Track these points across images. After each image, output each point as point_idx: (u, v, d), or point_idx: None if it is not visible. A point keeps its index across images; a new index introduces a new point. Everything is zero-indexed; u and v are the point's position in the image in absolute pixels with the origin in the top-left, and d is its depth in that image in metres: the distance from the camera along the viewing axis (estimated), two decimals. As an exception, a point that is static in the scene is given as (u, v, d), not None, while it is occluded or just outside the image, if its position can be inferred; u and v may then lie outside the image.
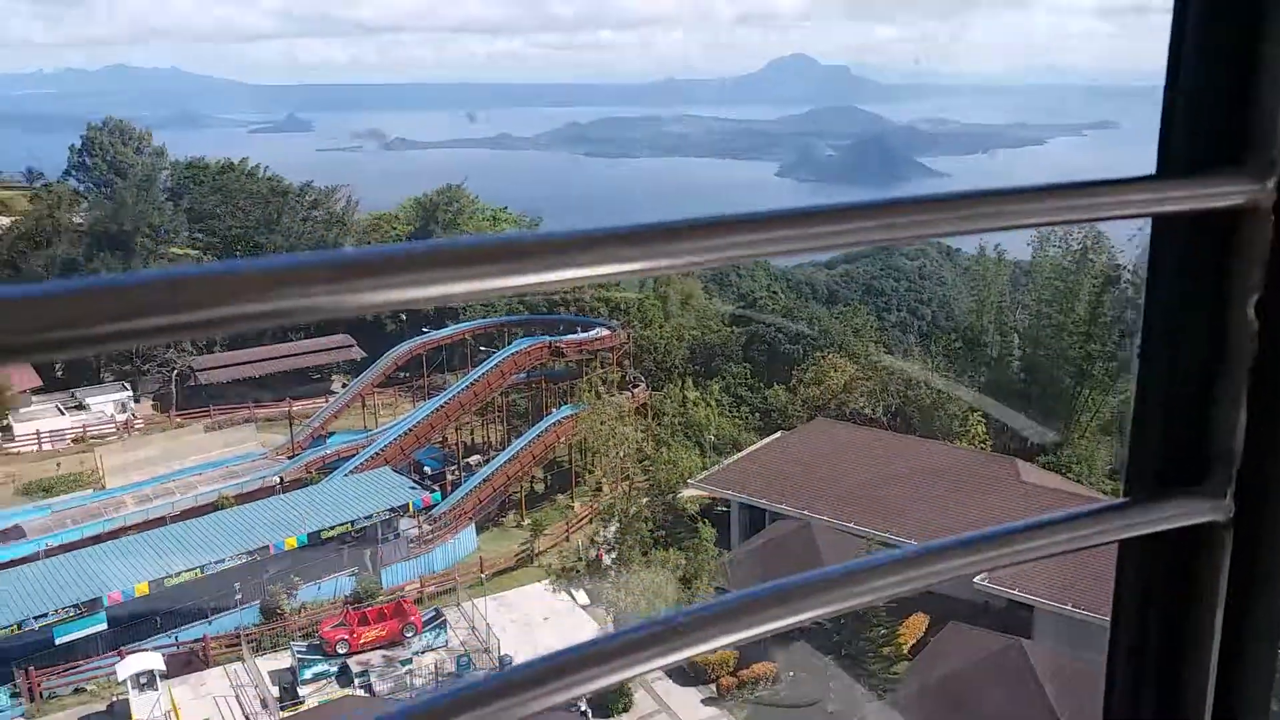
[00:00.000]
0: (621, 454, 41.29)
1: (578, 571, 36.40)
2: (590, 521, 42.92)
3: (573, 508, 46.10)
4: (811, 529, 36.79)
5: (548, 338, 53.08)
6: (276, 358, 63.07)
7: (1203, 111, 0.91)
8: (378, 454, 44.48)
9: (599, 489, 47.10)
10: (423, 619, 35.00)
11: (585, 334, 54.54)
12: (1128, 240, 53.43)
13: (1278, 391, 0.92)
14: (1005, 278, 53.60)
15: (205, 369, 61.04)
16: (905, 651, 31.38)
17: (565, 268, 0.70)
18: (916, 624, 33.08)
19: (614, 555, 31.92)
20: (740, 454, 44.86)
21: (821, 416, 47.49)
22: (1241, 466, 0.94)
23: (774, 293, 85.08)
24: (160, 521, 40.39)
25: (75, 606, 32.38)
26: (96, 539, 38.36)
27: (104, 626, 33.25)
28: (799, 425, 48.13)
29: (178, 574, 34.17)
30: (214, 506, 41.20)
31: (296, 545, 37.11)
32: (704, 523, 33.50)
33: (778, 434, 47.19)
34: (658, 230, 0.74)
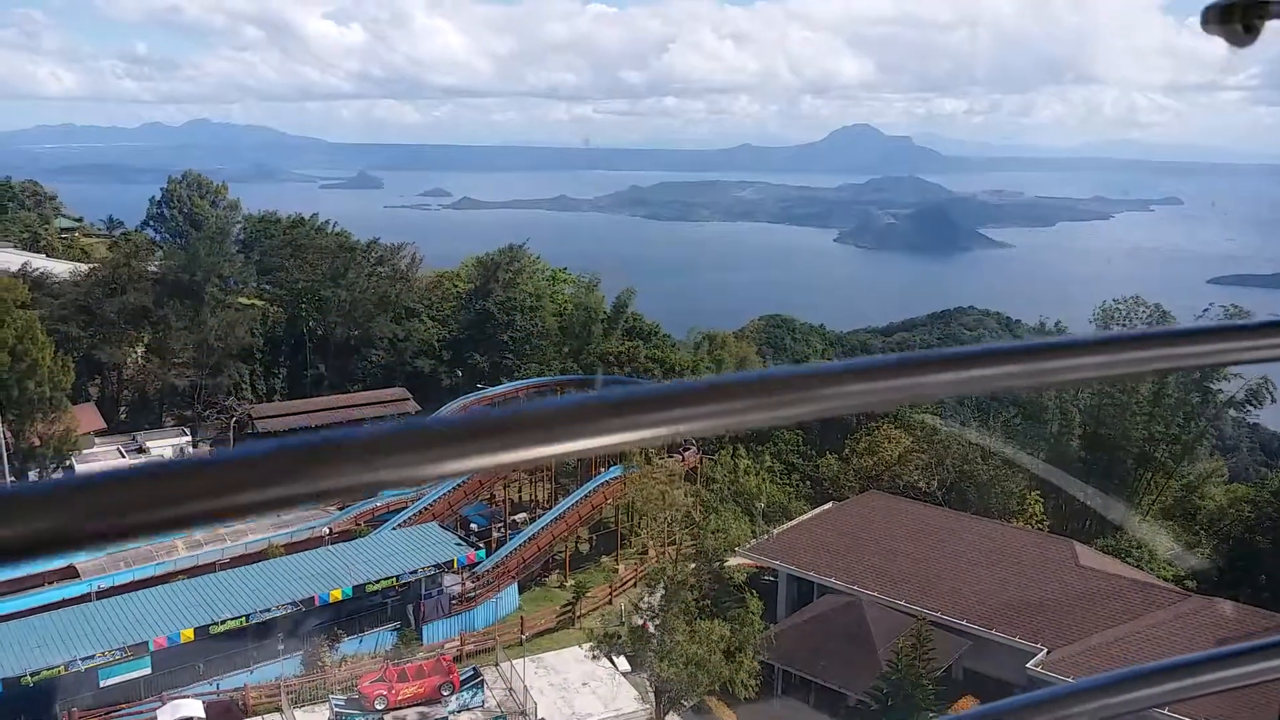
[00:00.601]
0: (669, 518, 40.85)
1: (619, 637, 35.88)
2: (635, 585, 42.48)
3: (617, 570, 45.70)
4: (861, 605, 36.00)
5: (599, 398, 53.09)
6: (333, 408, 63.94)
7: None
8: (426, 509, 44.68)
9: (645, 552, 46.68)
10: (461, 678, 34.75)
11: (637, 395, 54.42)
12: (1194, 318, 52.27)
13: None
14: None
15: (263, 417, 62.10)
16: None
17: (607, 434, 0.73)
18: (964, 706, 31.97)
19: (658, 623, 31.42)
20: (790, 523, 44.24)
21: (874, 489, 46.70)
22: None
23: (828, 359, 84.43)
24: (210, 567, 40.91)
25: (122, 649, 32.73)
26: (147, 582, 38.90)
27: (148, 670, 33.54)
28: (851, 496, 47.41)
29: (223, 621, 34.42)
30: (263, 555, 41.60)
31: (341, 597, 37.22)
32: (752, 594, 32.90)
33: (829, 504, 46.51)
34: (680, 392, 0.75)
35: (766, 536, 42.25)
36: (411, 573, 38.75)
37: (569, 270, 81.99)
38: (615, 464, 51.35)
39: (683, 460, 52.95)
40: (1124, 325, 50.14)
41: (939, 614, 34.67)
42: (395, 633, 38.69)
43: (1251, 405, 49.00)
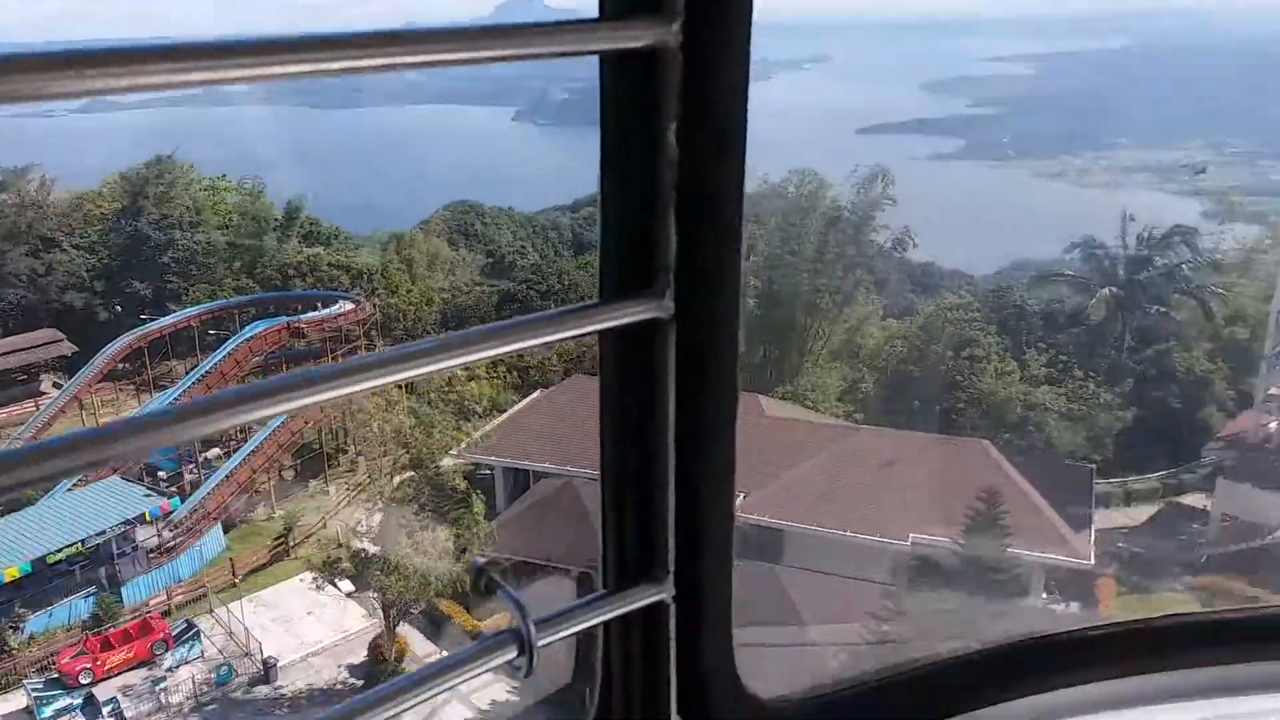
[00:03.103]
0: (376, 429, 40.02)
1: (340, 560, 35.28)
2: (348, 505, 41.60)
3: (328, 493, 44.43)
4: (573, 484, 37.42)
5: (286, 318, 50.34)
6: (-30, 362, 56.23)
7: None
8: (104, 461, 40.85)
9: (354, 468, 45.59)
10: (173, 633, 32.89)
11: (326, 310, 52.16)
12: (845, 179, 57.35)
13: (700, 206, 1.08)
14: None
15: (-119, 384, 53.60)
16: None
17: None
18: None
19: (378, 544, 31.17)
20: (501, 417, 44.75)
21: (579, 372, 48.09)
22: (677, 271, 1.11)
23: (522, 249, 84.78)
24: None
25: None
26: None
27: None
28: (556, 381, 48.55)
29: (-128, 627, 30.19)
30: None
31: (19, 574, 33.65)
32: (476, 494, 33.29)
33: (537, 392, 47.40)
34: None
35: (481, 435, 42.58)
36: (99, 534, 35.62)
37: (229, 177, 75.56)
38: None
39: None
40: (794, 191, 54.34)
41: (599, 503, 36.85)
42: (91, 599, 35.66)
43: (896, 252, 55.09)
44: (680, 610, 1.30)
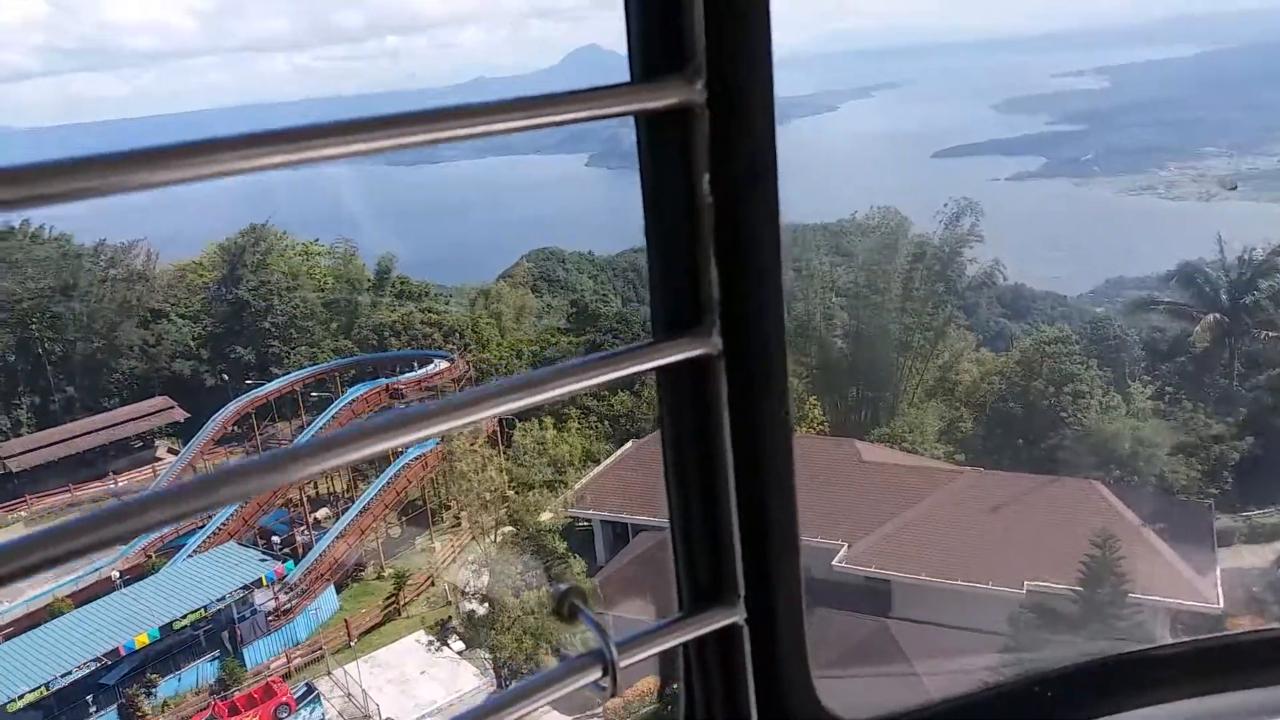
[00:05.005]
0: (479, 487, 40.78)
1: (450, 619, 36.02)
2: (454, 561, 42.37)
3: (434, 549, 45.34)
4: (675, 538, 37.56)
5: (385, 379, 51.89)
6: (92, 431, 59.09)
7: (653, 30, 1.15)
8: (220, 528, 42.45)
9: (458, 524, 46.45)
10: (295, 696, 33.81)
11: (423, 370, 53.62)
12: (925, 209, 56.91)
13: (738, 247, 1.18)
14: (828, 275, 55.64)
15: (14, 455, 56.56)
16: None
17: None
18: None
19: (486, 604, 31.72)
20: (596, 470, 45.21)
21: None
22: (722, 310, 1.20)
23: (604, 296, 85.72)
24: (-12, 639, 37.36)
25: (-95, 754, 29.68)
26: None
27: (-57, 772, 30.63)
28: (647, 428, 48.85)
29: (21, 696, 31.68)
30: (49, 613, 38.34)
31: (149, 640, 35.06)
32: (574, 556, 33.71)
33: (629, 443, 47.77)
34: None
35: (577, 485, 43.04)
36: (219, 600, 36.95)
37: (321, 241, 78.25)
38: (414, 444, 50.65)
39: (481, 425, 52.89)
40: (877, 231, 54.05)
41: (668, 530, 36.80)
42: (216, 663, 36.98)
43: (987, 286, 54.31)
44: (754, 632, 1.37)
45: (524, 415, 57.14)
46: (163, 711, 34.72)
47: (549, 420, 47.86)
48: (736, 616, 1.34)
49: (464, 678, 35.00)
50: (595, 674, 1.16)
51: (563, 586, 1.23)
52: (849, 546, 34.53)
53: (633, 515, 40.44)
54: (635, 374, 1.19)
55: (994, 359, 53.12)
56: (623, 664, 1.17)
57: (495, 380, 1.41)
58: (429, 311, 68.84)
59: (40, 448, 57.19)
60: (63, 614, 37.52)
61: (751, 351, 1.21)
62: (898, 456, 41.22)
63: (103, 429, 59.44)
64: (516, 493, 37.90)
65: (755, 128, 1.15)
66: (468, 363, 57.02)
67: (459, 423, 1.05)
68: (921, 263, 51.89)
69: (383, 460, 50.50)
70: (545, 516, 40.00)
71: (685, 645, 1.36)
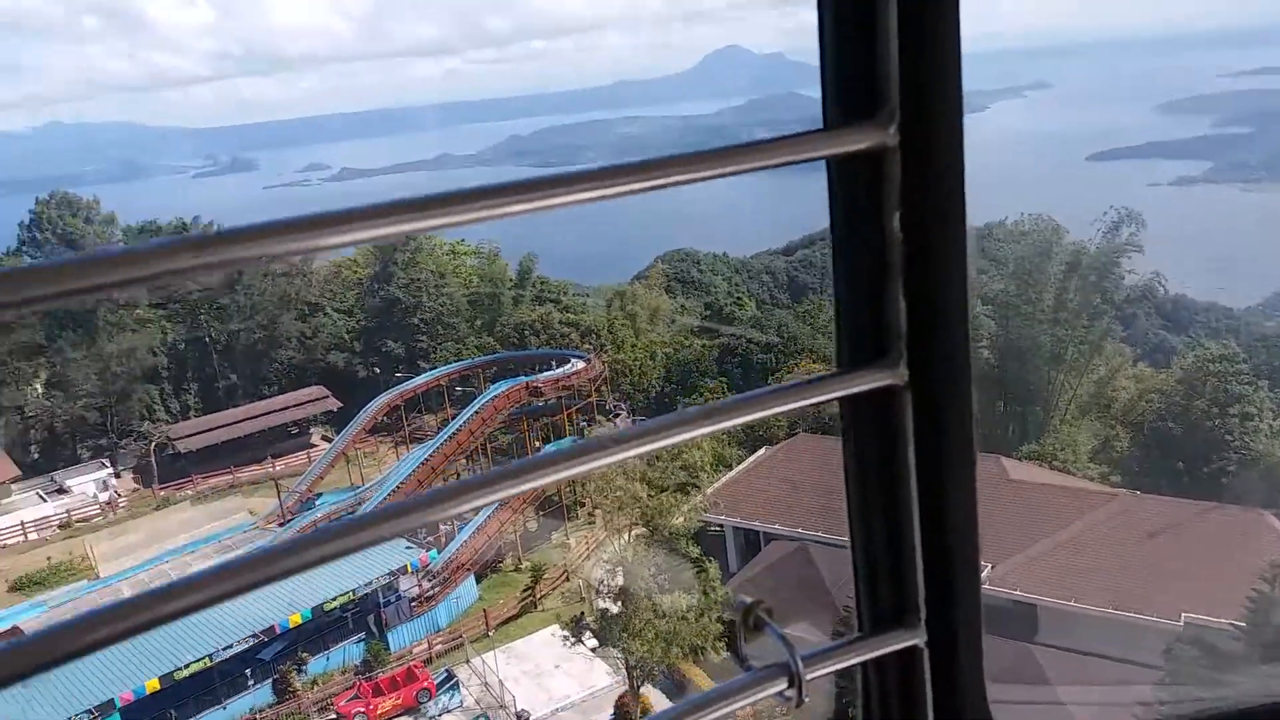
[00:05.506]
0: (614, 487, 41.26)
1: (584, 616, 36.64)
2: (589, 558, 43.06)
3: (569, 545, 46.20)
4: (807, 548, 37.19)
5: (525, 377, 53.21)
6: (253, 417, 62.58)
7: (849, 76, 1.19)
8: (369, 515, 44.31)
9: (593, 519, 47.16)
10: (435, 681, 35.05)
11: (561, 369, 54.75)
12: (1078, 214, 54.57)
13: (923, 282, 1.21)
14: (975, 282, 54.30)
15: (182, 437, 60.48)
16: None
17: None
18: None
19: (619, 604, 32.11)
20: (728, 475, 45.17)
21: (802, 430, 47.88)
22: (909, 342, 1.23)
23: (738, 299, 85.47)
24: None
25: (89, 711, 32.09)
26: (97, 634, 37.95)
27: (120, 728, 33.05)
28: (780, 436, 48.49)
29: (187, 665, 33.90)
30: (212, 586, 40.84)
31: (301, 620, 36.96)
32: (710, 561, 33.79)
33: (762, 450, 47.56)
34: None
35: (709, 489, 43.04)
36: (367, 584, 38.62)
37: (467, 241, 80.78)
38: (550, 440, 51.80)
39: (614, 425, 53.57)
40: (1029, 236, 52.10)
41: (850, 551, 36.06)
42: (362, 644, 38.70)
43: (1147, 299, 51.70)
44: (934, 657, 1.37)
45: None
46: (311, 688, 36.54)
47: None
48: (917, 639, 1.36)
49: (597, 675, 35.55)
50: (781, 684, 1.23)
51: (747, 599, 1.27)
52: (992, 567, 33.49)
53: (765, 523, 40.31)
54: (821, 402, 1.25)
55: (1153, 375, 50.47)
56: (808, 677, 1.23)
57: (692, 407, 1.49)
58: (567, 311, 70.24)
59: (206, 430, 60.97)
60: (225, 589, 39.86)
61: (938, 382, 1.25)
62: (1047, 475, 39.69)
63: (262, 415, 62.91)
64: (650, 495, 38.18)
65: (947, 167, 1.20)
66: (604, 363, 57.83)
67: (662, 444, 1.13)
68: (1076, 272, 49.71)
69: (518, 453, 51.91)
70: (678, 520, 40.20)
71: (864, 665, 1.39)
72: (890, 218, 1.20)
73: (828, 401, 1.25)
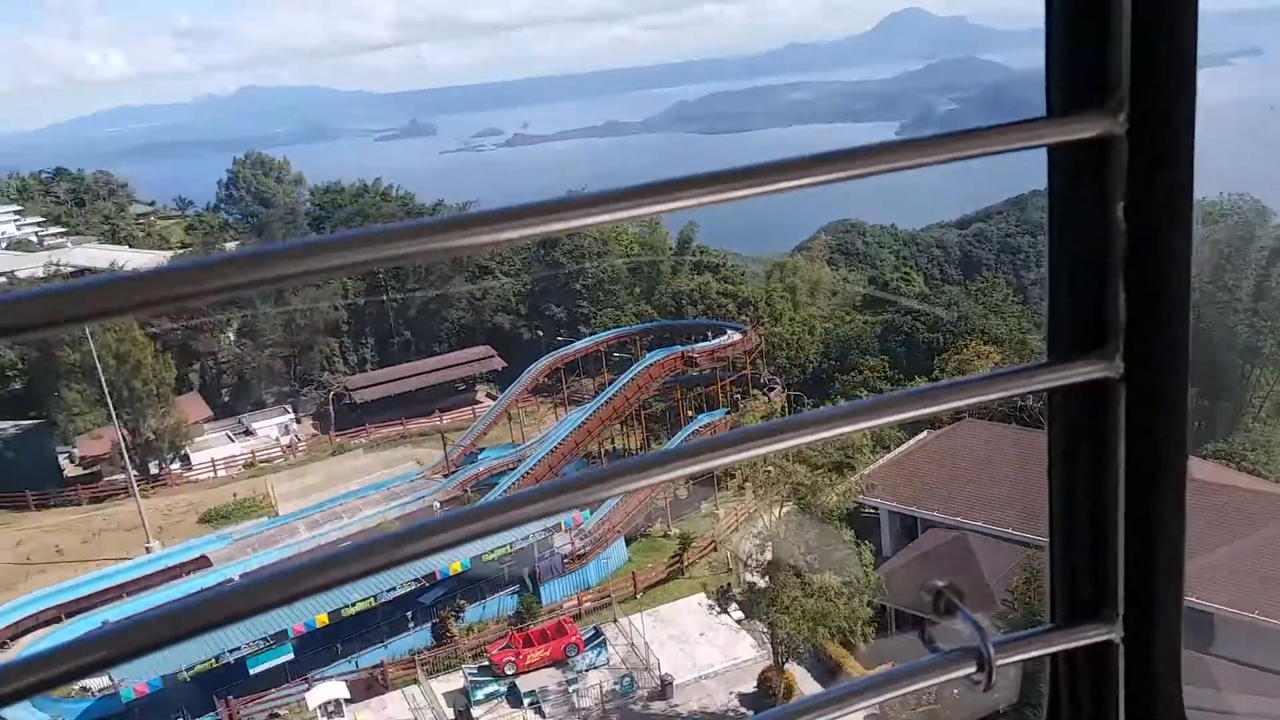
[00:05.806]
0: (767, 462, 41.06)
1: (731, 587, 36.75)
2: (736, 530, 43.11)
3: (718, 516, 46.33)
4: (965, 538, 36.07)
5: (680, 347, 53.51)
6: (423, 373, 65.51)
7: (1076, 62, 1.14)
8: (529, 472, 45.78)
9: (742, 491, 47.14)
10: (583, 637, 35.99)
11: (716, 340, 54.73)
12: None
13: (1145, 274, 1.17)
14: None
15: (359, 388, 63.93)
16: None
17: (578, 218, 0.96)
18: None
19: (767, 579, 32.05)
20: (887, 456, 44.19)
21: (968, 415, 46.24)
22: (1127, 334, 1.19)
23: (906, 273, 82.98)
24: (331, 547, 42.67)
25: (265, 639, 34.61)
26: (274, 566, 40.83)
27: (291, 656, 35.47)
28: (943, 420, 47.01)
29: (354, 604, 36.00)
30: (379, 530, 43.14)
31: (460, 569, 38.58)
32: (863, 544, 33.19)
33: (923, 433, 46.25)
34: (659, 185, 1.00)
35: (866, 469, 42.24)
36: (524, 539, 39.90)
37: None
38: (703, 410, 51.96)
39: (769, 401, 53.28)
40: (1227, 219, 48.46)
41: (1047, 541, 34.59)
42: (515, 597, 40.12)
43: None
44: (1129, 654, 1.32)
45: (814, 394, 56.85)
46: (467, 634, 38.19)
47: (840, 401, 47.18)
48: (1114, 634, 1.32)
49: (742, 647, 35.70)
50: (970, 668, 1.21)
51: (938, 583, 1.26)
52: (1166, 569, 31.58)
53: (923, 509, 39.28)
54: (1030, 391, 1.22)
55: (1364, 376, 46.23)
56: (998, 663, 1.21)
57: (897, 391, 1.55)
58: (725, 281, 70.00)
59: (380, 383, 64.27)
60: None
61: (1154, 375, 1.20)
62: (1235, 477, 37.03)
63: (432, 371, 65.81)
64: (805, 473, 37.78)
65: (1177, 158, 1.15)
66: (760, 336, 57.43)
67: (865, 425, 1.14)
68: (1280, 259, 45.98)
69: (673, 425, 52.32)
70: (831, 500, 39.66)
71: (1055, 657, 1.36)
72: (1114, 207, 1.17)
73: (1038, 391, 1.23)
